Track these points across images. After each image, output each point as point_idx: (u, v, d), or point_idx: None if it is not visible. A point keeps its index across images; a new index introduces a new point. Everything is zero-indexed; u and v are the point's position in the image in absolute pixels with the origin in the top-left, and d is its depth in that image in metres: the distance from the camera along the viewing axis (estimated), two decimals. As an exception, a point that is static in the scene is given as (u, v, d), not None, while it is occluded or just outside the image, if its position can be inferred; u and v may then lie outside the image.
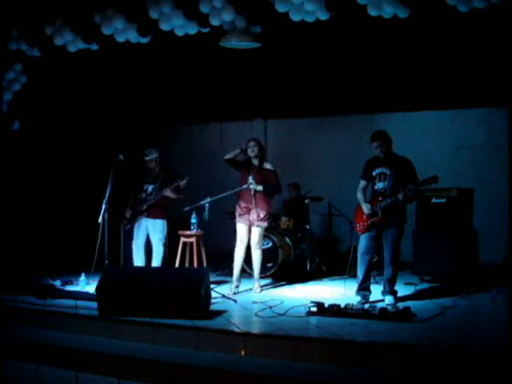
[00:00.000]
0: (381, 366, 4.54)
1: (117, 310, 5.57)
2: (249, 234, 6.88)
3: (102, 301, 5.65)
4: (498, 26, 5.71)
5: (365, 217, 6.13)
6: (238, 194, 6.91)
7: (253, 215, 6.77)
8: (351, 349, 4.71)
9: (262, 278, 7.22)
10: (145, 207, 7.04)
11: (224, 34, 6.18)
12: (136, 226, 7.11)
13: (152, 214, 7.05)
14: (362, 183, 6.32)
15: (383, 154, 6.13)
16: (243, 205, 6.83)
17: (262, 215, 6.79)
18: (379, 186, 6.16)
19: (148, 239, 7.13)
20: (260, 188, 6.71)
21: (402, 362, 4.54)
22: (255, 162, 6.87)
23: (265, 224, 6.89)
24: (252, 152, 6.82)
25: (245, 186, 6.71)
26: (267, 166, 6.89)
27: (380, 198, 6.08)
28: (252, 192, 6.70)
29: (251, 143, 6.85)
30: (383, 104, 9.12)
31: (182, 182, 6.86)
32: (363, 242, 6.19)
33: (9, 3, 6.68)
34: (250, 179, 6.67)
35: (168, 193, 6.92)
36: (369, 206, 6.10)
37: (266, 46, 6.50)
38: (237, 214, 6.89)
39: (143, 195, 7.11)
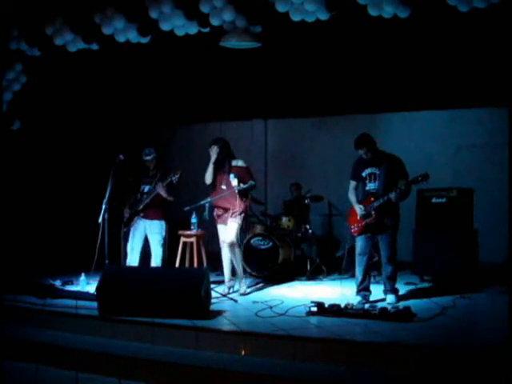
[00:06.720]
0: (381, 366, 4.54)
1: (117, 309, 5.57)
2: None
3: (102, 301, 5.65)
4: (498, 26, 5.71)
5: (359, 218, 6.11)
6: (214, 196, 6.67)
7: (229, 213, 6.56)
8: (351, 349, 4.71)
9: (262, 277, 7.18)
10: (141, 207, 6.95)
11: (224, 34, 6.18)
12: (133, 226, 7.01)
13: (149, 214, 6.96)
14: (353, 184, 6.27)
15: (372, 156, 6.08)
16: (221, 205, 6.62)
17: (237, 211, 6.53)
18: (370, 186, 6.12)
19: (146, 241, 7.02)
20: (242, 187, 6.46)
21: (402, 361, 4.54)
22: (223, 162, 6.61)
23: (238, 220, 6.58)
24: (214, 154, 6.57)
25: (236, 189, 6.48)
26: (239, 163, 6.64)
27: (372, 199, 6.04)
28: (236, 191, 6.48)
29: (211, 147, 6.60)
30: (383, 104, 9.10)
31: (175, 177, 6.69)
32: (360, 242, 6.17)
33: (9, 3, 6.67)
34: (232, 177, 6.49)
35: (160, 189, 6.77)
36: (362, 207, 6.08)
37: (266, 46, 6.49)
38: (215, 216, 6.69)
39: (140, 195, 7.02)
